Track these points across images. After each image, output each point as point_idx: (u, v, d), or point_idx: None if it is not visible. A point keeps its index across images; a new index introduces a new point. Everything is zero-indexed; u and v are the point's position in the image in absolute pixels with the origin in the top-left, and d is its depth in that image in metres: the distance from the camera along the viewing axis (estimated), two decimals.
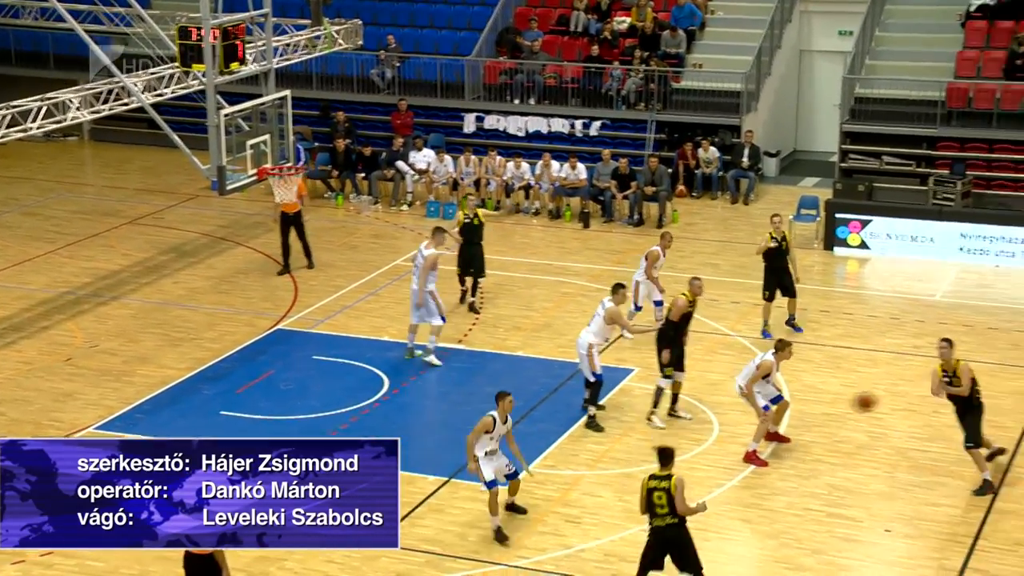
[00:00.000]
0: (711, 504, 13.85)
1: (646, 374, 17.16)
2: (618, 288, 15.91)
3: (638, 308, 18.34)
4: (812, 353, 18.02)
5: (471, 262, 19.44)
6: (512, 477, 13.46)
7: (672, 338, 15.76)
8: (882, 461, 14.88)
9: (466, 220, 19.40)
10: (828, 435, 15.58)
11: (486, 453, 13.21)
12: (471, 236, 19.41)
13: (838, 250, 21.98)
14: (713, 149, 25.32)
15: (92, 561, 12.92)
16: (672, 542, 11.56)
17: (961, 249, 21.38)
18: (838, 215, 22.08)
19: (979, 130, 24.05)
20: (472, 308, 19.37)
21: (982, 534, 13.30)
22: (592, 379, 15.66)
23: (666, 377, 15.76)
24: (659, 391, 15.83)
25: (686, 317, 15.87)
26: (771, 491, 14.24)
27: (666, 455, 11.61)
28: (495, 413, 13.25)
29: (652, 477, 11.59)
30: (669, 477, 11.50)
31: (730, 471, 14.65)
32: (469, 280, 19.58)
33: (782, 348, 14.72)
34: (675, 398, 15.94)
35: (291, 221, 20.92)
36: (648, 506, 11.57)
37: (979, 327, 18.93)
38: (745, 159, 25.19)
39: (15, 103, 18.18)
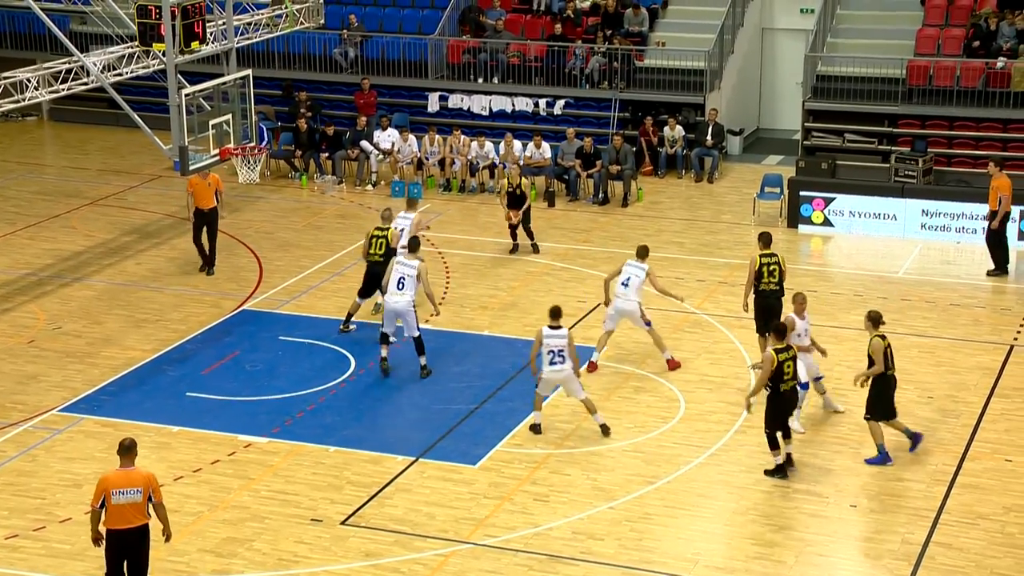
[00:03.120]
0: (684, 480, 13.89)
1: (613, 353, 17.16)
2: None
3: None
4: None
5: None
6: None
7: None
8: (847, 438, 14.96)
9: (510, 190, 20.44)
10: (814, 406, 15.52)
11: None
12: (518, 205, 20.53)
13: (802, 227, 22.06)
14: (678, 128, 25.32)
15: (58, 544, 12.80)
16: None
17: (923, 226, 21.51)
18: (802, 193, 22.16)
19: (939, 107, 24.18)
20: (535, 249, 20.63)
21: (945, 508, 13.42)
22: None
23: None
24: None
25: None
26: (738, 468, 14.30)
27: None
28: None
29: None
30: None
31: (697, 448, 14.70)
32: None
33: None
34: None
35: (205, 219, 19.87)
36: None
37: (941, 303, 19.08)
38: (709, 137, 25.20)
39: None
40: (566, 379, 14.60)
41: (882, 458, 14.22)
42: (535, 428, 14.92)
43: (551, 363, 14.50)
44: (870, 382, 14.23)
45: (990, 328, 18.12)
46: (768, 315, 15.99)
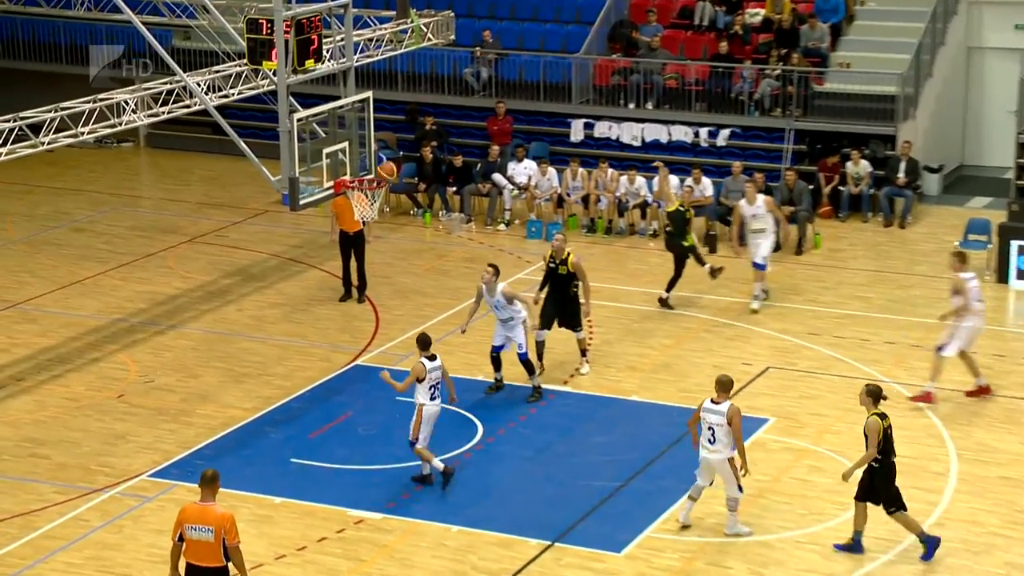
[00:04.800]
0: None
1: (784, 425, 16.91)
2: None
3: None
4: (987, 406, 17.58)
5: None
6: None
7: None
8: None
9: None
10: (1006, 503, 15.20)
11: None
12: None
13: (1014, 283, 21.53)
14: (864, 163, 24.98)
15: None
16: None
17: None
18: (1014, 241, 21.62)
19: None
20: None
21: None
22: None
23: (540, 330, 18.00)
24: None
25: (548, 272, 18.24)
26: (936, 568, 13.90)
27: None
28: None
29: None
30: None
31: (887, 543, 14.35)
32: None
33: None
34: (582, 352, 18.32)
35: (351, 242, 21.13)
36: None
37: None
38: (901, 175, 24.79)
39: (63, 105, 18.54)
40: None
41: (855, 546, 14.12)
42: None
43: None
44: (868, 474, 13.97)
45: None
46: None
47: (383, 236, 24.25)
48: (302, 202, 20.32)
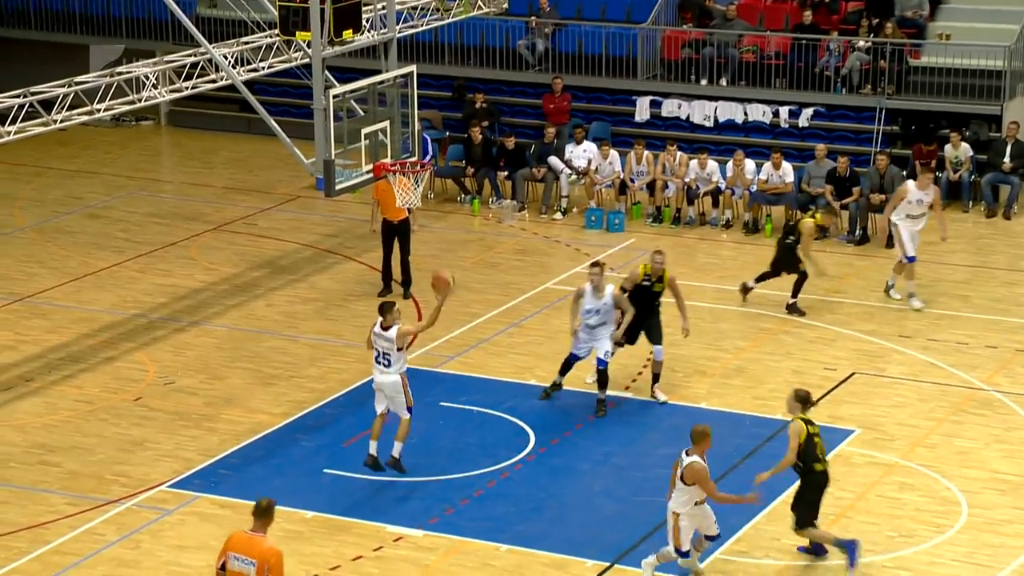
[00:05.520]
0: None
1: (870, 437, 16.89)
2: None
3: None
4: None
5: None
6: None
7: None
8: None
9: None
10: None
11: None
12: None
13: None
14: (964, 146, 24.85)
15: None
16: None
17: None
18: None
19: None
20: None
21: None
22: None
23: (618, 345, 17.76)
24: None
25: (639, 290, 17.80)
26: None
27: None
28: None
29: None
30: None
31: (985, 569, 14.32)
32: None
33: None
34: (655, 377, 18.04)
35: (395, 231, 21.21)
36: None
37: None
38: (1007, 159, 24.66)
39: (78, 79, 18.78)
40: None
41: (852, 555, 14.20)
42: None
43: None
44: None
45: None
46: None
47: (427, 225, 24.38)
48: (338, 187, 20.51)
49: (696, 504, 13.71)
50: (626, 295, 17.91)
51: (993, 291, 21.38)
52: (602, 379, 17.67)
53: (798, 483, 14.39)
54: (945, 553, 14.62)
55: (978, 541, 14.85)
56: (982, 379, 18.45)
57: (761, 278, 20.86)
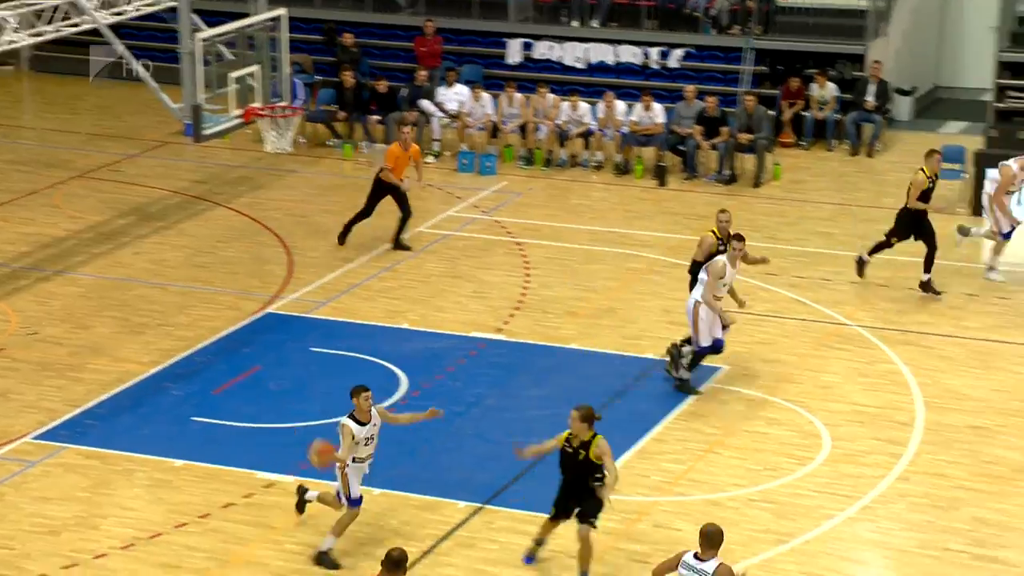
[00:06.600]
0: (826, 539, 13.77)
1: (737, 373, 17.08)
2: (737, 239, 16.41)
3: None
4: (953, 349, 17.86)
5: None
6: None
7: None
8: None
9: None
10: (972, 453, 15.45)
11: (354, 460, 13.38)
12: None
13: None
14: (830, 85, 25.12)
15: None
16: None
17: None
18: (991, 170, 21.79)
19: None
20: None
21: None
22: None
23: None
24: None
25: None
26: (900, 525, 14.14)
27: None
28: (347, 419, 13.36)
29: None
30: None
31: (845, 499, 14.54)
32: None
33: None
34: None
35: (389, 189, 20.61)
36: None
37: None
38: (870, 98, 24.96)
39: None
40: None
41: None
42: None
43: None
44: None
45: None
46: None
47: (298, 170, 24.16)
48: (207, 132, 20.31)
49: None
50: None
51: (856, 228, 21.66)
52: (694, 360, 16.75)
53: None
54: (808, 485, 14.82)
55: (839, 472, 15.10)
56: (845, 315, 18.72)
57: (929, 263, 19.23)
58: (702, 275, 16.50)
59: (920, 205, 18.97)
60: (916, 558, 13.62)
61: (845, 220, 22.00)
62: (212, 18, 23.24)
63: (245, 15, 21.80)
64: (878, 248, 19.49)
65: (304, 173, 24.25)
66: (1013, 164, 19.89)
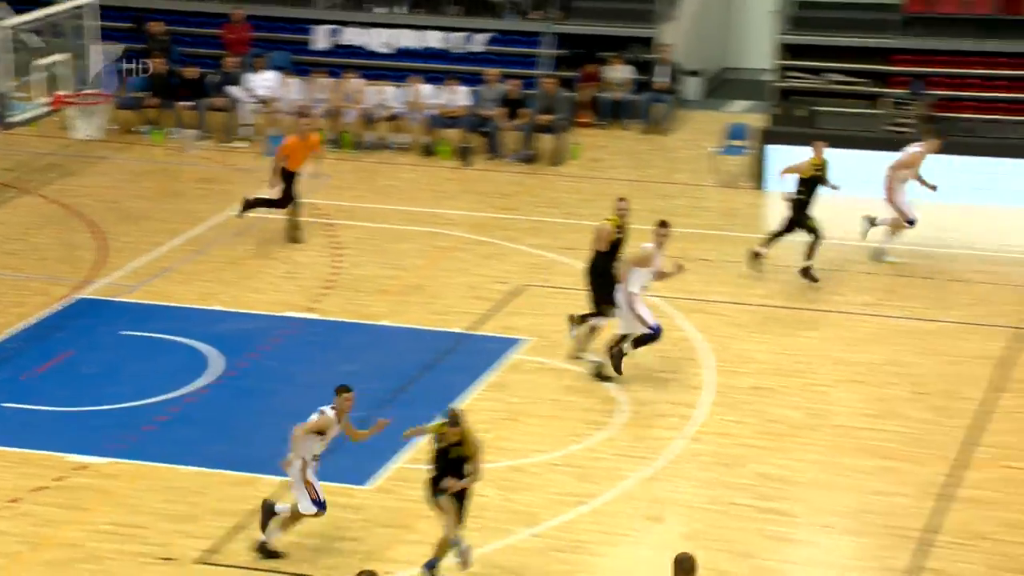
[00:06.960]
0: (625, 499, 14.20)
1: (540, 344, 17.43)
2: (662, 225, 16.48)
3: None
4: (739, 314, 18.48)
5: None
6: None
7: (603, 271, 16.60)
8: (822, 444, 15.37)
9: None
10: (756, 413, 15.99)
11: (314, 457, 13.25)
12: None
13: (773, 188, 22.32)
14: (625, 68, 25.62)
15: None
16: None
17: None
18: (773, 146, 22.51)
19: (943, 39, 24.58)
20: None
21: (937, 528, 13.85)
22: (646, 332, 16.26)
23: (599, 315, 16.72)
24: (593, 330, 16.83)
25: (615, 245, 16.71)
26: (690, 483, 14.60)
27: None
28: (329, 410, 13.27)
29: None
30: None
31: (641, 460, 14.98)
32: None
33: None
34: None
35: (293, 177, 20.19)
36: None
37: (939, 279, 19.61)
38: (661, 79, 25.52)
39: None
40: None
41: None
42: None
43: None
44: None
45: (996, 308, 18.67)
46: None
47: (108, 157, 23.91)
48: (13, 119, 20.00)
49: None
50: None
51: (651, 203, 21.90)
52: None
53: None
54: (607, 448, 15.21)
55: (635, 436, 15.52)
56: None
57: (811, 253, 19.22)
58: (632, 267, 16.33)
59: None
60: (706, 514, 14.05)
61: (641, 195, 22.49)
62: (19, 6, 22.89)
63: (54, 2, 21.48)
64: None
65: (115, 159, 24.00)
66: (917, 148, 19.92)
